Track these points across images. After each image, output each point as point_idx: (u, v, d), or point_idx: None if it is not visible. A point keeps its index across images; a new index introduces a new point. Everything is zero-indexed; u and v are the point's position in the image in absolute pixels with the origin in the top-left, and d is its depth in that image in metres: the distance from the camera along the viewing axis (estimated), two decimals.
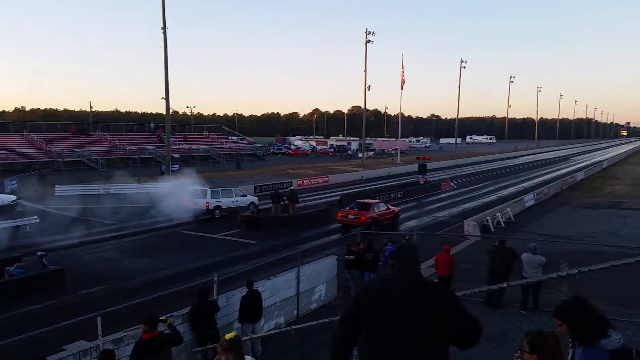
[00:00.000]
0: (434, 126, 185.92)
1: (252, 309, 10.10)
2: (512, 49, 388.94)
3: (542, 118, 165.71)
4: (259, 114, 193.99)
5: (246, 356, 4.27)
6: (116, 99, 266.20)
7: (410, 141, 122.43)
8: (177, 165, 47.16)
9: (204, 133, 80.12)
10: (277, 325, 11.54)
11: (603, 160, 68.91)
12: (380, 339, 3.01)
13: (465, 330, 3.12)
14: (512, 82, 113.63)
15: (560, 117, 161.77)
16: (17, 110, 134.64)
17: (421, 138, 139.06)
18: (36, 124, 66.72)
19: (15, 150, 52.90)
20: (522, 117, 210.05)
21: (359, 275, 13.64)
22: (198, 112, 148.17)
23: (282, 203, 26.39)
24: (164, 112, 44.99)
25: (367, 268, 13.46)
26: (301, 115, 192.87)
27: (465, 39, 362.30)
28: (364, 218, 22.37)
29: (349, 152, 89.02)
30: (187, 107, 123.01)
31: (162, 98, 42.71)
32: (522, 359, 3.31)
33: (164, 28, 40.80)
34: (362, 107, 72.42)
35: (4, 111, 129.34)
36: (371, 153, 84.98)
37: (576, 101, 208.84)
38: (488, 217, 23.45)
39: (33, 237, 20.31)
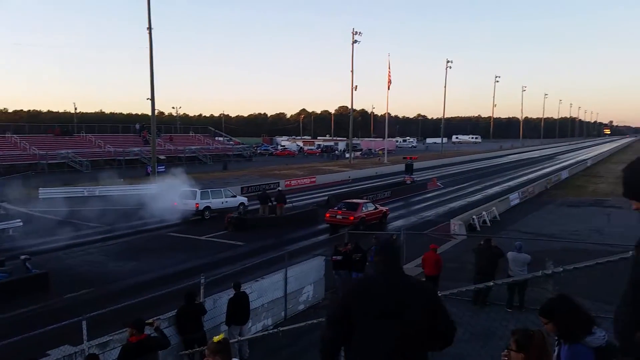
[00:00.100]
0: (420, 126, 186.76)
1: (239, 311, 10.04)
2: (498, 49, 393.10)
3: (526, 117, 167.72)
4: (245, 115, 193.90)
5: (234, 359, 4.24)
6: (101, 100, 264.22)
7: (397, 141, 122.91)
8: (163, 167, 46.80)
9: (190, 134, 79.64)
10: (265, 327, 11.50)
11: (587, 159, 69.81)
12: (366, 338, 2.99)
13: (446, 329, 3.11)
14: (497, 81, 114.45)
15: (545, 117, 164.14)
16: None
17: (408, 138, 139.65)
18: (19, 126, 65.83)
19: None
20: (507, 117, 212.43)
21: (346, 276, 13.63)
22: (184, 113, 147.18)
23: (270, 204, 26.31)
24: (150, 113, 44.59)
25: (355, 268, 13.47)
26: (288, 116, 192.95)
27: (451, 40, 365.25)
28: (352, 218, 22.39)
29: (336, 152, 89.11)
30: (173, 107, 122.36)
31: (148, 99, 42.39)
32: (509, 358, 3.33)
33: (149, 28, 40.49)
34: (349, 107, 72.56)
35: None
36: (358, 153, 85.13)
37: (560, 100, 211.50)
38: (474, 216, 23.61)
39: (16, 240, 20.02)
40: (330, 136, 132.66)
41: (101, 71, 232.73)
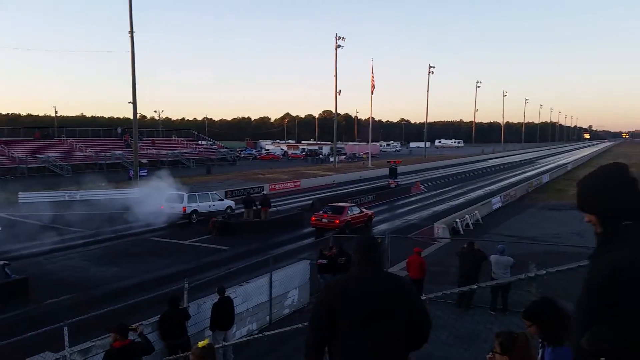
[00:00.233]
0: (403, 130, 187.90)
1: (223, 316, 9.98)
2: (479, 55, 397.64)
3: (508, 122, 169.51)
4: (229, 119, 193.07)
5: None
6: (82, 103, 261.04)
7: (381, 145, 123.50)
8: (145, 171, 46.35)
9: (173, 138, 78.99)
10: (250, 332, 11.44)
11: (567, 163, 70.91)
12: (352, 339, 2.97)
13: (425, 325, 3.10)
14: (479, 87, 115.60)
15: (526, 121, 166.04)
16: None
17: (391, 142, 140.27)
18: None
19: None
20: (488, 121, 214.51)
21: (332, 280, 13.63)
22: (166, 117, 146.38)
23: (254, 208, 26.18)
24: (131, 117, 44.22)
25: (340, 272, 13.47)
26: (272, 120, 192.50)
27: (433, 45, 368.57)
28: (337, 222, 22.44)
29: (321, 156, 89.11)
30: (155, 111, 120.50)
31: (130, 102, 42.00)
32: None
33: (131, 32, 40.20)
34: (333, 111, 72.72)
35: None
36: (342, 157, 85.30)
37: (541, 105, 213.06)
38: (457, 220, 23.80)
39: None
40: (314, 140, 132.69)
41: (82, 74, 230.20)
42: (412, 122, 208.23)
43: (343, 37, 64.76)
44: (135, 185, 35.99)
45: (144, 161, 56.56)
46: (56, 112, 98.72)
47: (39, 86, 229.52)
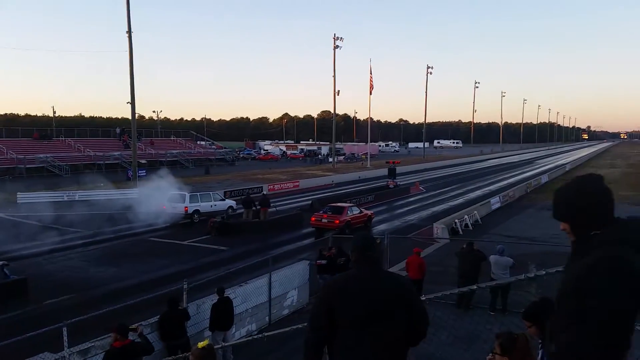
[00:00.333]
0: (402, 131, 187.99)
1: (223, 316, 9.97)
2: (477, 55, 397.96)
3: (506, 122, 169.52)
4: (227, 119, 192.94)
5: None
6: (80, 103, 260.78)
7: (380, 145, 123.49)
8: (144, 171, 46.32)
9: (172, 138, 78.92)
10: (249, 332, 11.44)
11: (566, 163, 70.96)
12: (353, 339, 2.97)
13: (422, 322, 3.11)
14: (477, 87, 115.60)
15: (524, 122, 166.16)
16: None
17: (390, 142, 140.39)
18: None
19: None
20: (487, 122, 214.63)
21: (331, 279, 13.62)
22: (165, 117, 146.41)
23: (254, 208, 26.17)
24: (130, 117, 44.19)
25: (339, 272, 13.46)
26: (271, 120, 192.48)
27: (432, 45, 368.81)
28: (337, 222, 22.46)
29: (320, 156, 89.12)
30: (154, 111, 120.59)
31: (128, 102, 42.06)
32: None
33: (129, 32, 40.22)
34: (332, 111, 72.77)
35: None
36: (341, 157, 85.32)
37: (539, 106, 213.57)
38: (456, 220, 23.82)
39: None
40: (313, 140, 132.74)
41: (80, 74, 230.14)
42: (411, 122, 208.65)
43: (341, 38, 64.93)
44: (134, 186, 35.98)
45: (143, 161, 56.55)
46: (54, 112, 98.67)
47: (37, 86, 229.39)
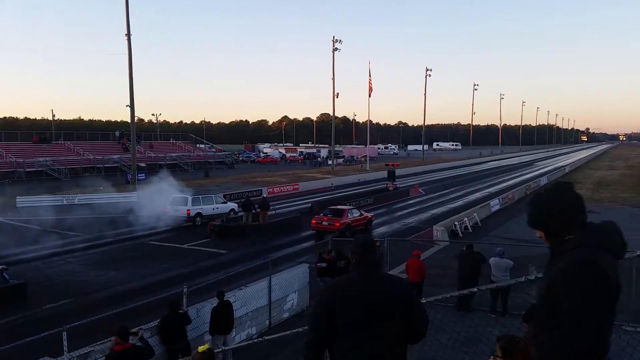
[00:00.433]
0: (401, 133, 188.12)
1: (223, 320, 9.95)
2: (476, 58, 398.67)
3: (505, 124, 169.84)
4: (227, 122, 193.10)
5: None
6: (79, 107, 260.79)
7: (379, 148, 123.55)
8: (143, 174, 46.32)
9: (171, 141, 78.94)
10: (249, 336, 11.42)
11: (565, 165, 71.00)
12: (354, 340, 2.98)
13: (421, 325, 3.12)
14: (476, 89, 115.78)
15: (523, 124, 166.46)
16: None
17: (389, 145, 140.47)
18: None
19: None
20: (486, 124, 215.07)
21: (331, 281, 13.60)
22: (164, 120, 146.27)
23: (253, 211, 26.16)
24: (129, 120, 44.23)
25: (339, 275, 13.46)
26: (270, 123, 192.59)
27: (431, 48, 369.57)
28: (338, 224, 22.46)
29: (319, 159, 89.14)
30: (153, 114, 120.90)
31: (127, 105, 42.12)
32: None
33: (128, 35, 40.28)
34: (331, 114, 72.81)
35: None
36: (341, 160, 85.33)
37: (538, 108, 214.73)
38: (456, 222, 23.82)
39: None
40: (312, 143, 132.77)
41: (79, 78, 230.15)
42: (410, 124, 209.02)
43: (340, 40, 65.13)
44: (134, 189, 35.97)
45: (142, 165, 56.57)
46: (54, 116, 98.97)
47: (37, 89, 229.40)
